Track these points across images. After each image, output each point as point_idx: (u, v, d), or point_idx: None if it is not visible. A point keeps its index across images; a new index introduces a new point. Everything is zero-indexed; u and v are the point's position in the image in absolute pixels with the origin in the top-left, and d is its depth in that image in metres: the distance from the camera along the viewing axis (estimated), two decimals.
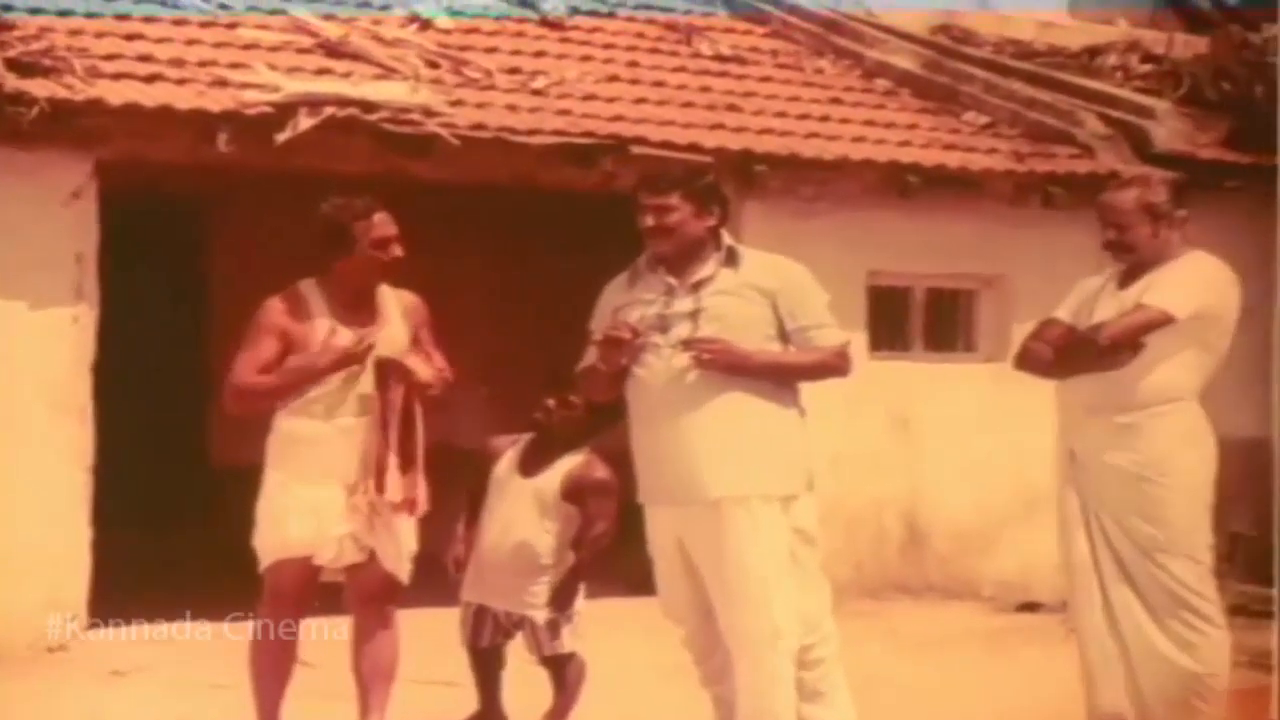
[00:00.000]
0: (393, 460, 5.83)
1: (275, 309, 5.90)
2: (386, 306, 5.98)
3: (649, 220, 5.61)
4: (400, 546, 5.96)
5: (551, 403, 6.48)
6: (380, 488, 5.82)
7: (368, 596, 5.99)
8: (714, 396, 5.54)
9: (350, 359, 5.80)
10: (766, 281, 5.63)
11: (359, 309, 5.92)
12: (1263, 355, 8.85)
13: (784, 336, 5.65)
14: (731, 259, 5.65)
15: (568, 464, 6.52)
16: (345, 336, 5.84)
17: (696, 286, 5.62)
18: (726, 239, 5.70)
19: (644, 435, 5.68)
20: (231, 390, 5.90)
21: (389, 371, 5.84)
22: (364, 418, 5.85)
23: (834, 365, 5.72)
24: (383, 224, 5.91)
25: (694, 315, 5.59)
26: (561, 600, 6.46)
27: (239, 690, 6.20)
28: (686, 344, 5.54)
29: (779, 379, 5.64)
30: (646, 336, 5.58)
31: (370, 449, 5.83)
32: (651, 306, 5.64)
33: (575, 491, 6.48)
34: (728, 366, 5.53)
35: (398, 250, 5.92)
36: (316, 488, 5.85)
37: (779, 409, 5.62)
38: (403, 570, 5.98)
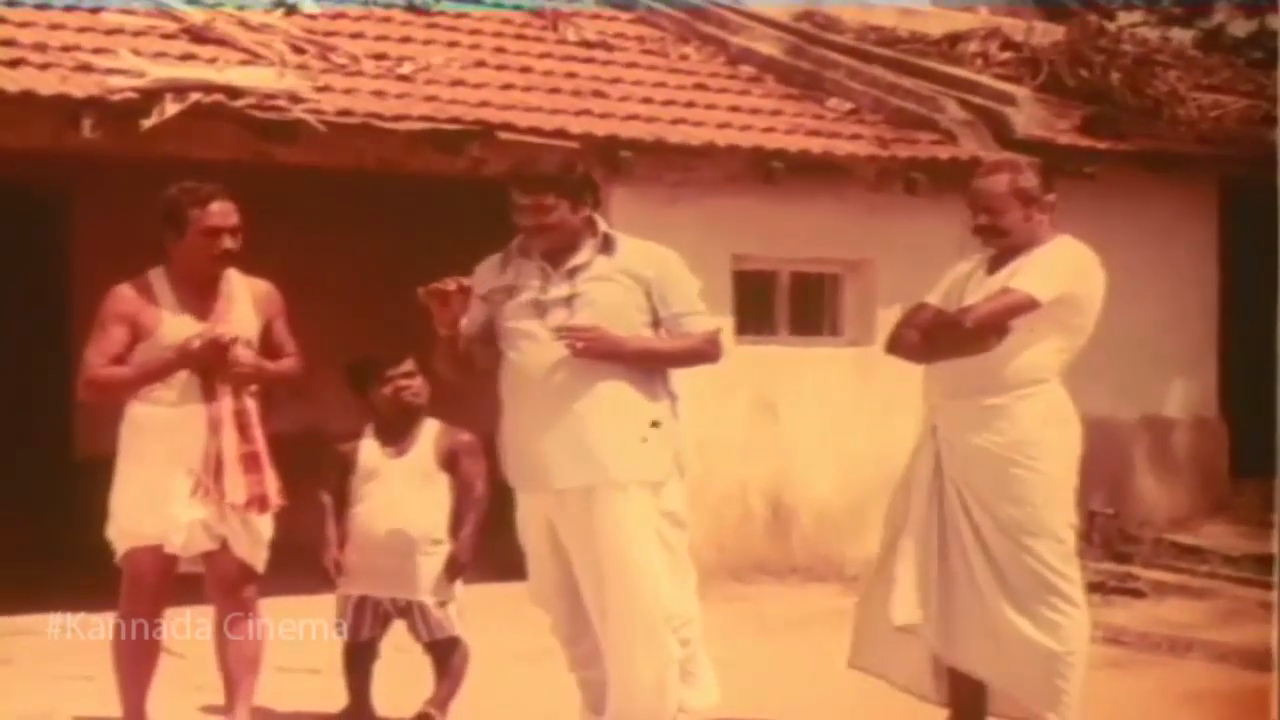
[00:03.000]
0: (230, 459, 5.74)
1: (122, 296, 5.83)
2: (235, 294, 5.89)
3: (527, 219, 5.62)
4: (254, 534, 5.88)
5: (400, 380, 6.49)
6: (220, 489, 5.75)
7: (226, 584, 5.91)
8: (589, 383, 5.58)
9: (197, 355, 5.72)
10: (641, 268, 5.68)
11: (203, 297, 5.84)
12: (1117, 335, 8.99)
13: (657, 323, 5.69)
14: (607, 245, 5.69)
15: (430, 433, 6.53)
16: (186, 327, 5.75)
17: (572, 273, 5.64)
18: (602, 225, 5.73)
19: (520, 421, 5.70)
20: (83, 381, 5.84)
21: (214, 361, 5.73)
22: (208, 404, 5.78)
23: (705, 352, 5.78)
24: (220, 214, 5.79)
25: (569, 301, 5.62)
26: (454, 573, 6.44)
27: (104, 682, 6.16)
28: (560, 332, 5.57)
29: (652, 365, 5.69)
30: (473, 289, 5.59)
31: (209, 448, 5.76)
32: (526, 292, 5.66)
33: (450, 457, 6.50)
34: (602, 354, 5.57)
35: (229, 243, 5.79)
36: (166, 474, 5.77)
37: (650, 395, 5.66)
38: (257, 558, 5.92)
